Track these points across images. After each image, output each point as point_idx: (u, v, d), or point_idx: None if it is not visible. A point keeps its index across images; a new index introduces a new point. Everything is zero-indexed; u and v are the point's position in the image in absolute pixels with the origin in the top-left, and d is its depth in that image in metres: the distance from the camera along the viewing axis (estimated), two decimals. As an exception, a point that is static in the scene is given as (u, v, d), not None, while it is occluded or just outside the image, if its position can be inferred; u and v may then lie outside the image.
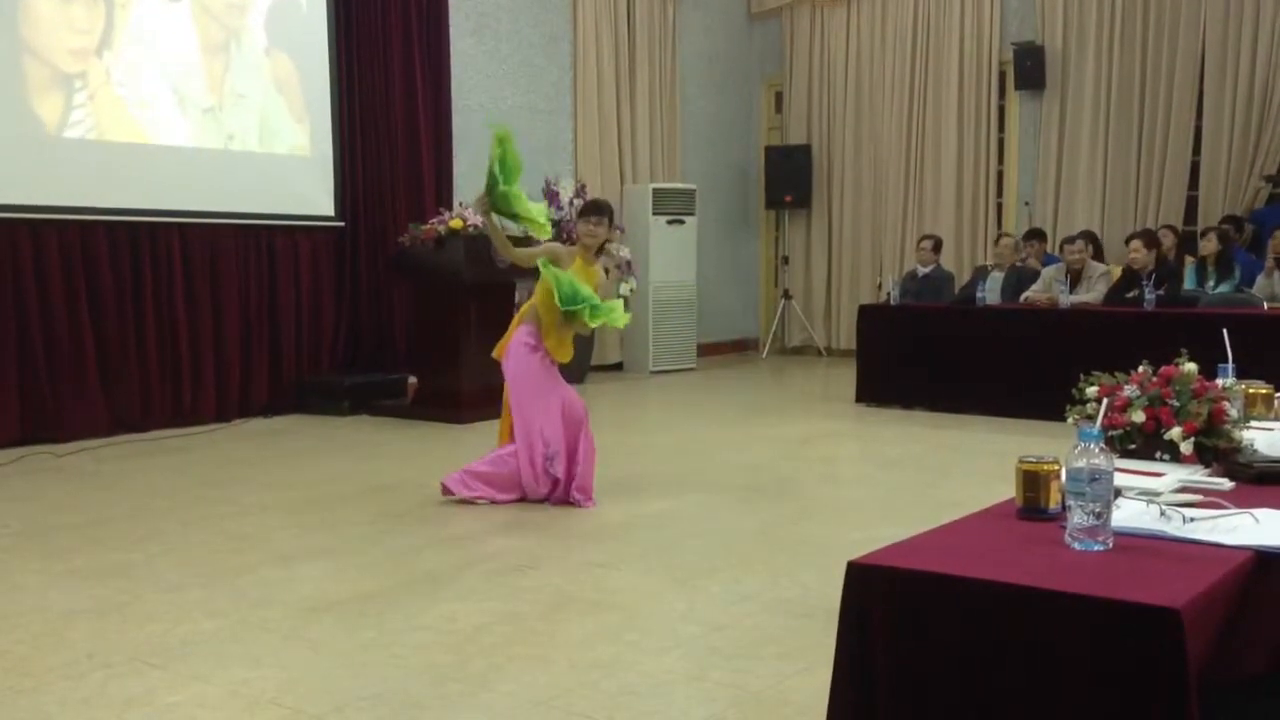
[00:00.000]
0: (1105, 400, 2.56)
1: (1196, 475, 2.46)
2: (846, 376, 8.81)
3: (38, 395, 6.78)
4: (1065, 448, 2.01)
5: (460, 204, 8.22)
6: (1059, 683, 1.71)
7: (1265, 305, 7.60)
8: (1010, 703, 1.75)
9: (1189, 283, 8.39)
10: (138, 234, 7.27)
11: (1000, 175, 10.97)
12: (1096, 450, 1.95)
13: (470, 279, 7.56)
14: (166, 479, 5.88)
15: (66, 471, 6.09)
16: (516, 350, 5.13)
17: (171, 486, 5.68)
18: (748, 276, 12.58)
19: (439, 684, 3.08)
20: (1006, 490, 2.26)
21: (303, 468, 6.23)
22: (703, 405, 8.80)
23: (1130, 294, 7.74)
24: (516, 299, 8.21)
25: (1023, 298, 8.25)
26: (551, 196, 9.37)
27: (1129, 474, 2.37)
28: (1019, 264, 8.90)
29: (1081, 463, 1.93)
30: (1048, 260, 9.20)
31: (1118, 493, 2.09)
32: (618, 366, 10.65)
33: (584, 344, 8.54)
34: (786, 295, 12.04)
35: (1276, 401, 3.07)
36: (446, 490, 5.18)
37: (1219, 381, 2.82)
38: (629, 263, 10.16)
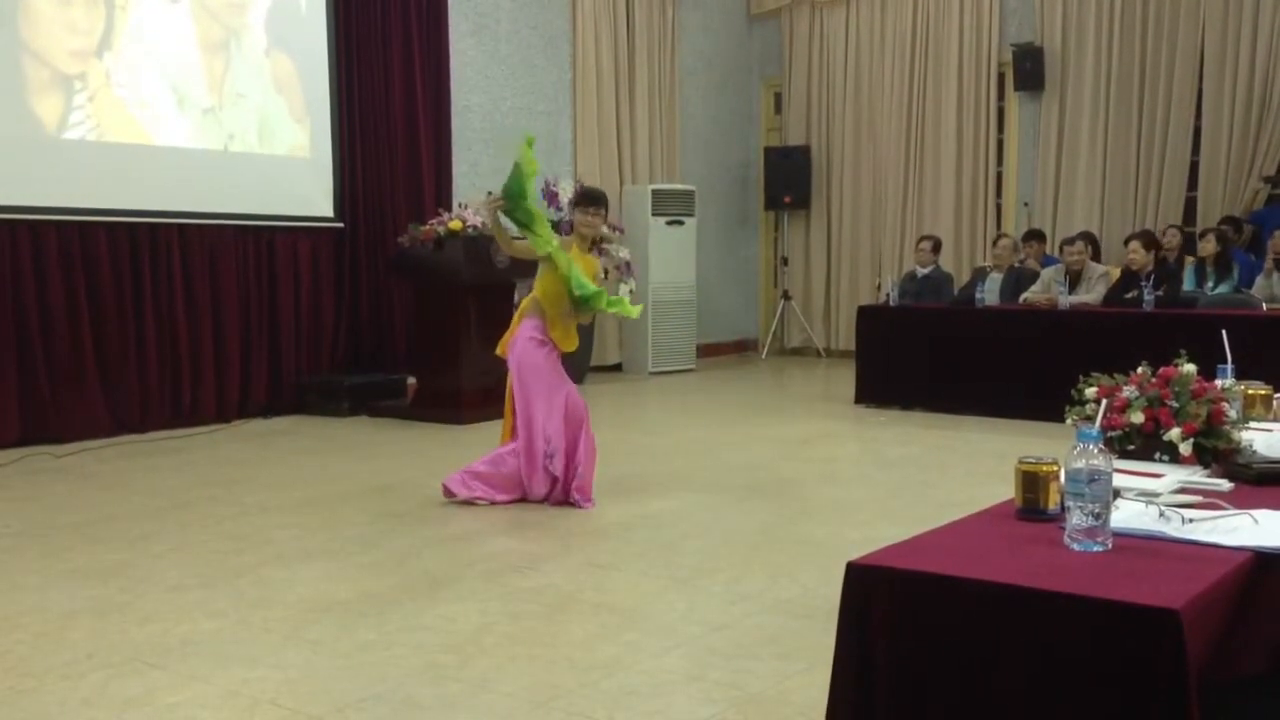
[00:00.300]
0: (1104, 401, 2.57)
1: (1195, 476, 2.46)
2: (846, 377, 8.81)
3: (37, 396, 6.78)
4: (1064, 448, 2.01)
5: (460, 204, 8.23)
6: (1058, 683, 1.71)
7: (1264, 306, 7.60)
8: (1009, 703, 1.75)
9: (1188, 284, 8.40)
10: (137, 234, 7.27)
11: (999, 176, 10.97)
12: (1095, 451, 1.95)
13: (469, 279, 7.57)
14: (166, 479, 5.88)
15: (66, 472, 6.09)
16: (523, 345, 5.10)
17: (171, 487, 5.68)
18: (747, 277, 12.59)
19: (439, 684, 3.09)
20: (1005, 491, 2.26)
21: (302, 468, 6.23)
22: (702, 406, 8.80)
23: (1129, 295, 7.74)
24: (516, 299, 8.22)
25: (1022, 299, 8.25)
26: (550, 197, 9.37)
27: (1128, 475, 2.37)
28: (1018, 265, 8.91)
29: (1080, 463, 1.94)
30: (1047, 261, 9.20)
31: (1117, 493, 2.09)
32: (617, 367, 10.65)
33: (583, 344, 8.53)
34: (786, 296, 12.05)
35: (1275, 402, 3.07)
36: (448, 492, 5.17)
37: (1218, 382, 2.82)
38: (628, 263, 10.16)
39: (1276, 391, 3.13)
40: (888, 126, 11.40)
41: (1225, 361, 3.11)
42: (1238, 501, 2.21)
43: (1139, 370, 2.71)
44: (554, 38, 10.20)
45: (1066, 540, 1.95)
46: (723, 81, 12.12)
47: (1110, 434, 2.60)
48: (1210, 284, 8.38)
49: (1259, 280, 8.14)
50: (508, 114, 9.82)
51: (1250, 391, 3.01)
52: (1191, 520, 2.06)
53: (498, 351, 5.25)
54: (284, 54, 8.17)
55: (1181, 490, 2.32)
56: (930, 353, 8.07)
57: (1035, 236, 9.67)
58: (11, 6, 6.74)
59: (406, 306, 8.55)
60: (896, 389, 8.21)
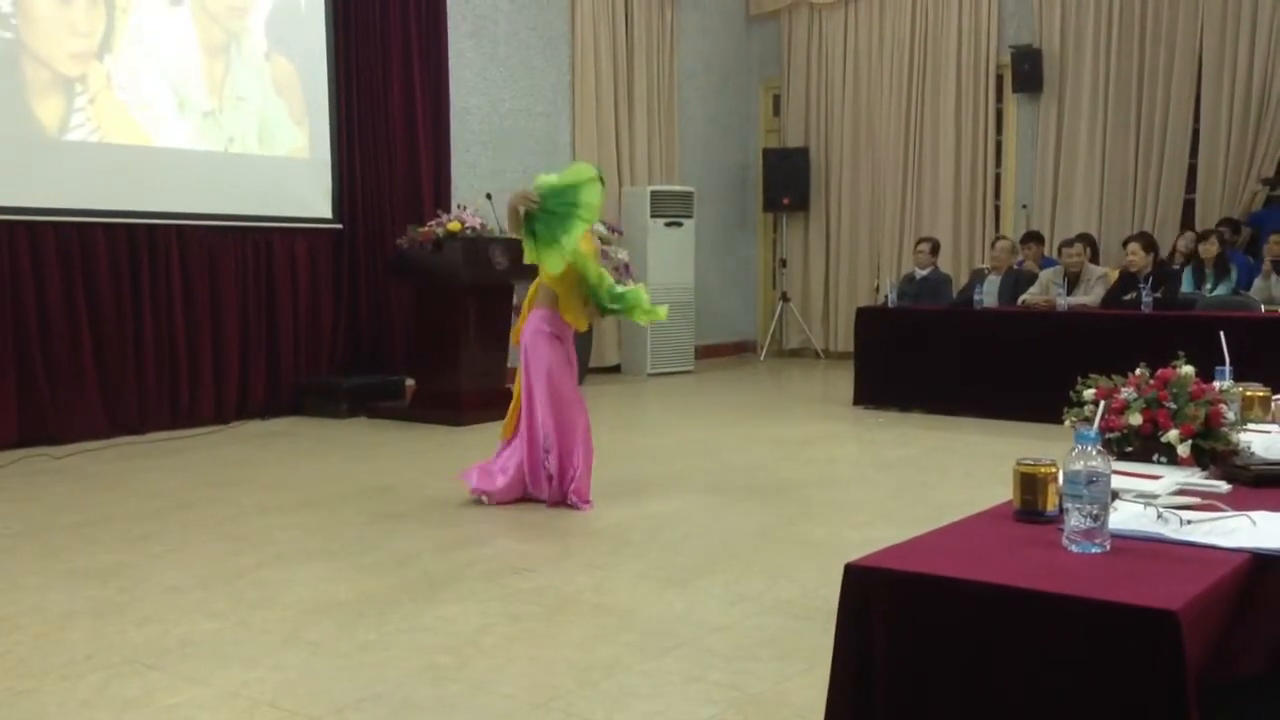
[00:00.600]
0: (1102, 403, 2.57)
1: (1194, 478, 2.46)
2: (844, 379, 8.82)
3: (36, 397, 6.78)
4: (1063, 450, 2.02)
5: (459, 206, 8.23)
6: (1057, 685, 1.71)
7: (1262, 308, 7.61)
8: (1008, 705, 1.76)
9: (1186, 285, 8.41)
10: (136, 236, 7.27)
11: (998, 178, 10.98)
12: (1094, 452, 1.95)
13: (468, 280, 7.57)
14: (165, 481, 5.88)
15: (65, 473, 6.09)
16: (532, 338, 5.09)
17: (170, 488, 5.68)
18: (746, 279, 12.59)
19: (438, 685, 3.09)
20: (1004, 492, 2.26)
21: (301, 469, 6.23)
22: (701, 407, 8.81)
23: (1128, 297, 7.75)
24: (515, 300, 8.22)
25: (1020, 300, 8.26)
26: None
27: (1126, 476, 2.38)
28: (1016, 267, 8.92)
29: (1079, 465, 1.94)
30: (1045, 263, 9.21)
31: (1115, 495, 2.09)
32: (616, 369, 10.66)
33: (582, 346, 8.55)
34: (784, 297, 12.05)
35: (1273, 404, 3.08)
36: (474, 491, 5.20)
37: (1216, 384, 2.82)
38: (627, 265, 10.16)
39: (1275, 393, 3.13)
40: (886, 128, 11.40)
41: (1223, 363, 3.12)
42: (1236, 503, 2.21)
43: (1137, 372, 2.71)
44: (553, 39, 10.21)
45: (1065, 542, 1.96)
46: (722, 83, 12.13)
47: (1108, 435, 2.60)
48: (1209, 286, 8.39)
49: (1257, 282, 8.15)
50: (506, 116, 9.82)
51: (1248, 393, 3.01)
52: (1189, 522, 2.06)
53: (512, 341, 5.32)
54: (283, 56, 8.18)
55: (1180, 492, 2.32)
56: (929, 354, 8.08)
57: (1033, 238, 9.68)
58: (12, 8, 6.74)
59: (405, 308, 8.55)
60: (895, 390, 8.21)
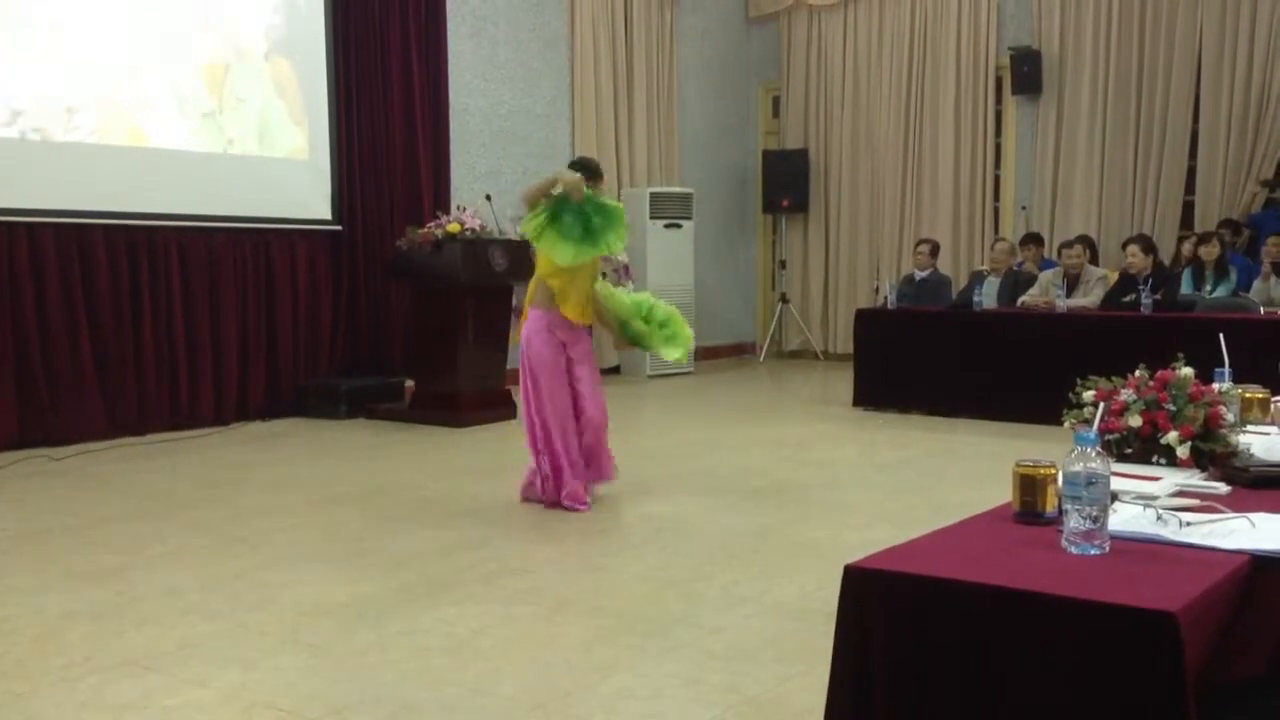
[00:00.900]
0: (1102, 404, 2.57)
1: (1193, 479, 2.46)
2: (844, 380, 8.82)
3: (35, 398, 6.77)
4: (1062, 451, 2.01)
5: (458, 207, 8.22)
6: (1056, 687, 1.71)
7: (1261, 310, 7.61)
8: (1007, 706, 1.75)
9: (1186, 287, 8.41)
10: (135, 237, 7.27)
11: (997, 180, 10.98)
12: (1093, 454, 1.95)
13: (467, 282, 7.56)
14: (164, 482, 5.87)
15: (64, 474, 6.08)
16: (530, 340, 5.07)
17: (169, 490, 5.68)
18: (745, 280, 12.59)
19: (437, 687, 3.08)
20: (1003, 494, 2.26)
21: (300, 471, 6.23)
22: (700, 409, 8.80)
23: (1127, 298, 7.75)
24: (514, 301, 8.22)
25: (1020, 302, 8.26)
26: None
27: (1125, 478, 2.38)
28: (1016, 268, 8.92)
29: (1078, 466, 1.94)
30: (1045, 265, 9.21)
31: (1114, 497, 2.09)
32: (615, 370, 10.65)
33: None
34: (784, 299, 12.05)
35: (1273, 406, 3.08)
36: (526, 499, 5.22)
37: (1215, 386, 2.82)
38: (627, 267, 10.16)
39: (1274, 395, 3.13)
40: (886, 130, 11.41)
41: (1223, 365, 3.12)
42: (1235, 505, 2.21)
43: (1137, 373, 2.71)
44: (552, 41, 10.21)
45: (1064, 543, 1.95)
46: (721, 85, 12.13)
47: (1108, 437, 2.60)
48: (1208, 287, 8.38)
49: (1256, 284, 8.14)
50: (506, 117, 9.82)
51: (1248, 395, 3.01)
52: (1189, 523, 2.06)
53: (512, 341, 5.38)
54: (283, 57, 8.17)
55: (1179, 493, 2.32)
56: (928, 356, 8.07)
57: (1033, 240, 9.68)
58: (12, 8, 6.74)
59: (404, 309, 8.55)
60: (894, 392, 8.21)
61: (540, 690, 3.06)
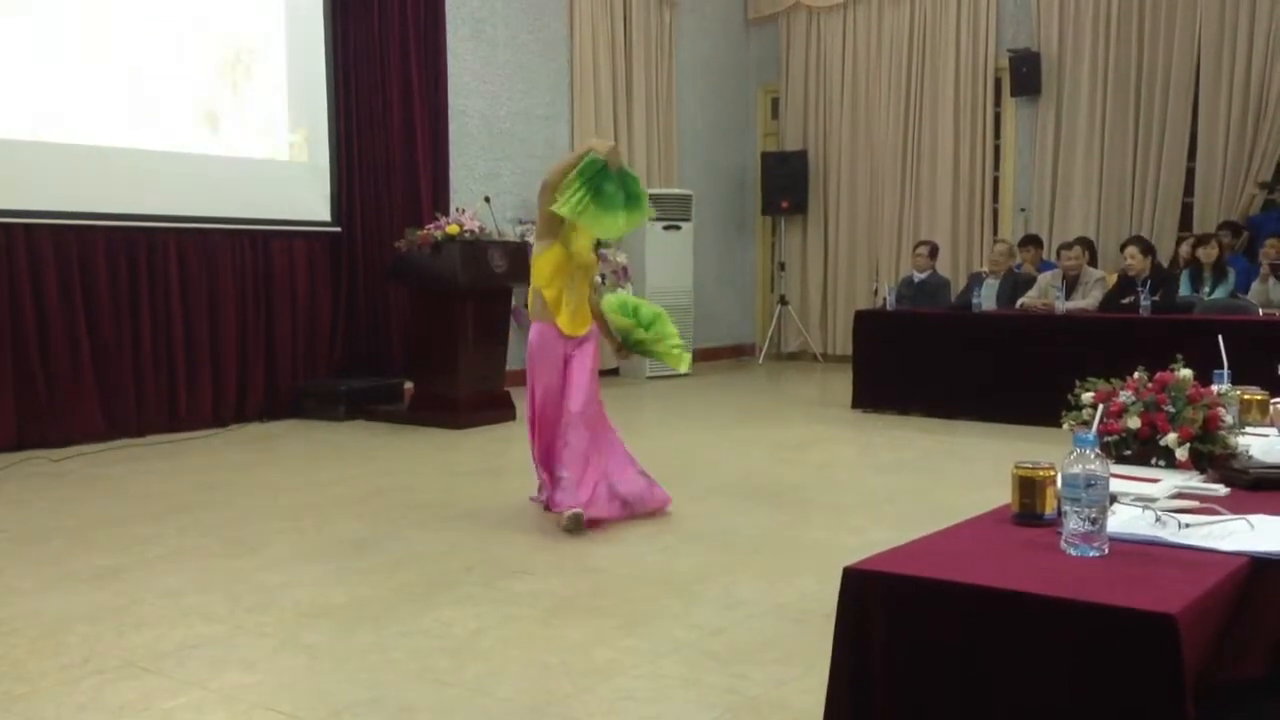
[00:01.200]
0: (1101, 406, 2.57)
1: (1192, 481, 2.47)
2: (843, 382, 8.82)
3: (34, 400, 6.77)
4: (1061, 453, 2.02)
5: (458, 209, 8.22)
6: (1055, 689, 1.71)
7: (1260, 311, 7.61)
8: (1006, 708, 1.75)
9: (1184, 289, 8.41)
10: (134, 239, 7.27)
11: (996, 181, 10.99)
12: (1092, 456, 1.95)
13: (466, 284, 7.56)
14: (163, 484, 5.87)
15: (62, 476, 6.08)
16: (529, 356, 4.96)
17: (168, 491, 5.68)
18: (744, 282, 12.60)
19: (436, 689, 3.08)
20: (1002, 495, 2.26)
21: (299, 473, 6.22)
22: (699, 411, 8.80)
23: (1126, 300, 7.75)
24: (513, 303, 8.22)
25: (1019, 304, 8.27)
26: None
27: (1124, 480, 2.38)
28: (1015, 270, 8.92)
29: (1077, 468, 1.94)
30: (1044, 266, 9.22)
31: (1113, 498, 2.09)
32: (614, 372, 10.64)
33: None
34: (783, 301, 12.06)
35: (1272, 408, 3.08)
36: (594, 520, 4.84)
37: (1214, 387, 2.82)
38: (626, 268, 10.17)
39: (1273, 397, 3.14)
40: (885, 131, 11.41)
41: (1222, 366, 3.12)
42: (1234, 506, 2.21)
43: (1135, 375, 2.71)
44: (552, 42, 10.21)
45: (1063, 545, 1.96)
46: (720, 86, 12.14)
47: (1107, 439, 2.60)
48: (1206, 289, 8.39)
49: (1255, 285, 8.15)
50: (505, 118, 9.82)
51: (1246, 396, 3.02)
52: (1188, 525, 2.06)
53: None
54: (282, 58, 8.17)
55: (1178, 495, 2.32)
56: (927, 358, 8.08)
57: (1032, 242, 9.69)
58: (12, 8, 6.74)
59: (403, 311, 8.55)
60: (893, 394, 8.21)
61: (539, 691, 3.05)
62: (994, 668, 1.77)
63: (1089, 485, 1.93)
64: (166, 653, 3.36)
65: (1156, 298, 7.55)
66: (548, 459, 4.96)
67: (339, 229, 8.52)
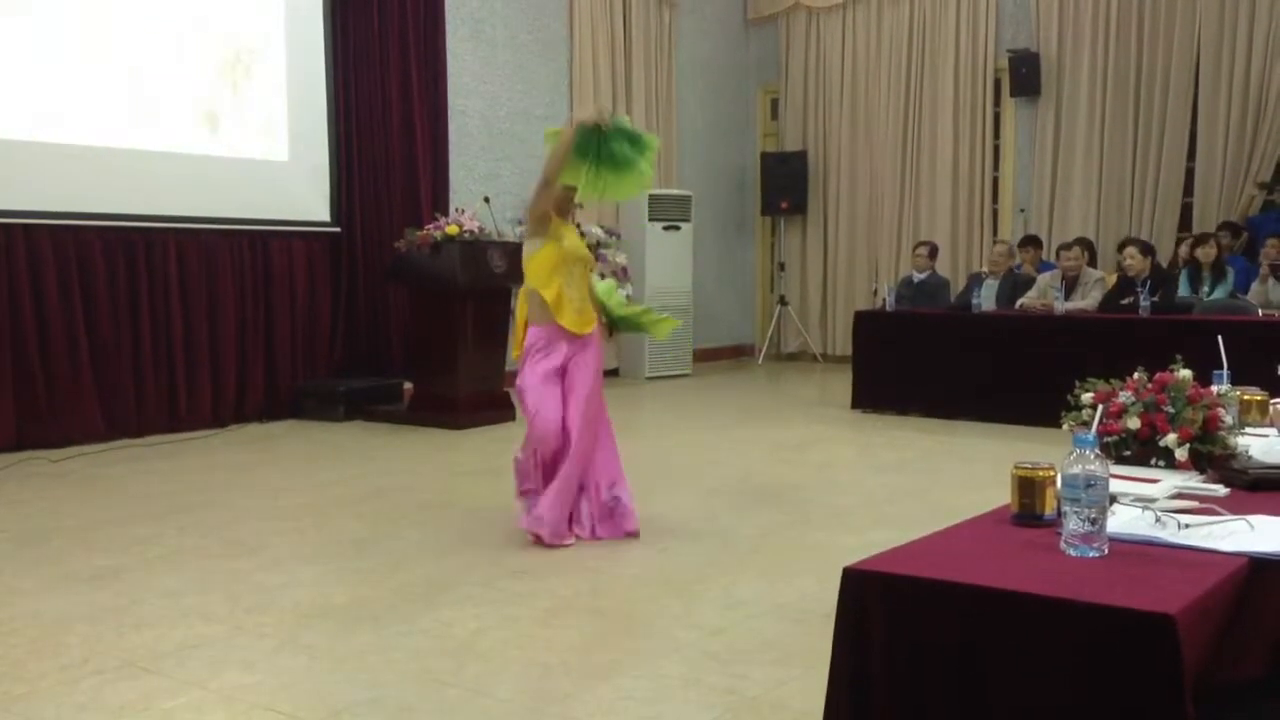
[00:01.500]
0: (1100, 406, 2.57)
1: (1191, 481, 2.47)
2: (842, 382, 8.82)
3: (33, 400, 6.77)
4: (1060, 454, 2.02)
5: (457, 209, 8.22)
6: (1054, 689, 1.71)
7: (1260, 312, 7.61)
8: (1005, 708, 1.75)
9: (1184, 289, 8.41)
10: (133, 239, 7.27)
11: (996, 182, 10.99)
12: (1092, 456, 1.95)
13: (466, 284, 7.56)
14: (162, 484, 5.87)
15: (62, 476, 6.08)
16: (521, 361, 4.65)
17: (167, 492, 5.67)
18: (744, 282, 12.60)
19: (436, 690, 3.08)
20: (1002, 496, 2.26)
21: (298, 473, 6.22)
22: (698, 411, 8.80)
23: (1125, 300, 7.75)
24: (512, 304, 8.21)
25: (1018, 304, 8.27)
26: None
27: (1124, 480, 2.38)
28: (1014, 270, 8.92)
29: (1077, 469, 1.94)
30: (1043, 267, 9.22)
31: (1113, 499, 2.09)
32: (614, 372, 10.65)
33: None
34: (782, 301, 12.06)
35: (1271, 408, 3.08)
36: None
37: (1214, 388, 2.82)
38: (625, 269, 10.17)
39: (1272, 397, 3.14)
40: (884, 132, 11.42)
41: (1221, 367, 3.12)
42: (1233, 507, 2.21)
43: (1135, 376, 2.71)
44: (551, 42, 10.21)
45: (1062, 545, 1.96)
46: (720, 87, 12.14)
47: (1106, 439, 2.60)
48: (1206, 289, 8.39)
49: (1254, 286, 8.15)
50: (505, 119, 9.82)
51: (1246, 397, 3.02)
52: (1187, 525, 2.06)
53: (513, 356, 4.76)
54: (281, 59, 8.17)
55: (1177, 495, 2.32)
56: (927, 358, 8.08)
57: (1031, 242, 9.69)
58: (12, 8, 6.74)
59: (403, 311, 8.55)
60: (893, 394, 8.21)
61: (539, 692, 3.05)
62: (993, 668, 1.77)
63: (1089, 486, 1.93)
64: (166, 653, 3.36)
65: (1156, 298, 7.55)
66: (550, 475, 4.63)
67: (338, 229, 8.52)
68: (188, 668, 3.24)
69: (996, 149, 10.95)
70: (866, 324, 8.60)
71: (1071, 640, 1.70)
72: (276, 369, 8.08)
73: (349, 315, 8.62)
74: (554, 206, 4.70)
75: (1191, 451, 2.55)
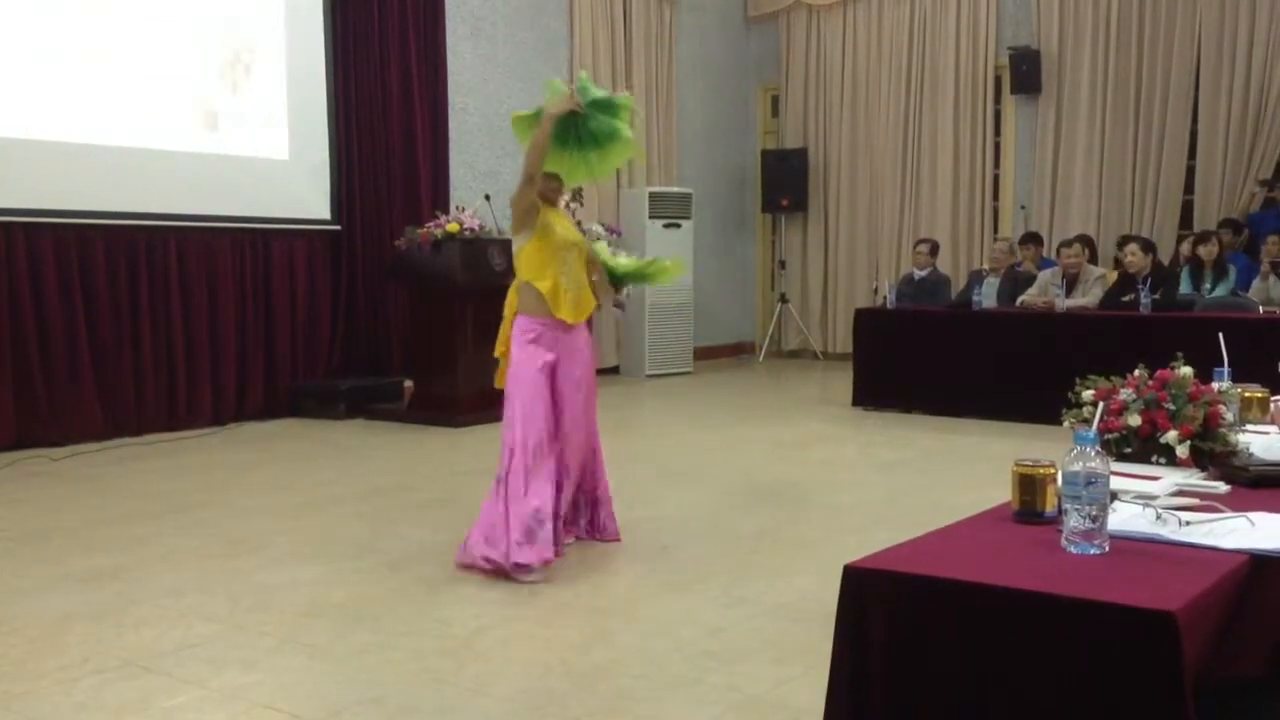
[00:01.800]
0: (1101, 404, 2.57)
1: (1192, 479, 2.46)
2: (843, 380, 8.81)
3: (33, 399, 6.77)
4: (1061, 451, 2.01)
5: (457, 207, 8.22)
6: (1055, 686, 1.71)
7: (1260, 309, 7.60)
8: (1006, 706, 1.75)
9: (1185, 286, 8.41)
10: (133, 238, 7.27)
11: (996, 179, 10.98)
12: (1092, 454, 1.95)
13: (466, 282, 7.55)
14: (162, 483, 5.87)
15: (62, 475, 6.08)
16: (513, 353, 4.35)
17: (167, 491, 5.67)
18: (744, 280, 12.59)
19: (436, 688, 3.08)
20: (1003, 493, 2.26)
21: (298, 472, 6.22)
22: (699, 409, 8.80)
23: (1126, 298, 7.75)
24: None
25: (1019, 301, 8.26)
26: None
27: (1125, 477, 2.37)
28: (1015, 268, 8.92)
29: (1077, 466, 1.93)
30: (1044, 264, 9.21)
31: (1114, 496, 2.09)
32: (614, 370, 10.65)
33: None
34: (783, 299, 12.05)
35: (1272, 405, 3.08)
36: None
37: (1215, 385, 2.82)
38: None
39: (1273, 394, 3.13)
40: (885, 129, 11.40)
41: (1222, 364, 3.11)
42: (1234, 504, 2.21)
43: (1136, 373, 2.71)
44: (551, 40, 10.20)
45: (1063, 543, 1.95)
46: (720, 84, 12.13)
47: (1107, 436, 2.60)
48: (1207, 286, 8.38)
49: (1255, 283, 8.14)
50: (505, 116, 9.78)
51: (1247, 394, 3.01)
52: (1188, 523, 2.06)
53: (497, 352, 4.47)
54: (281, 57, 8.17)
55: (1178, 493, 2.32)
56: (927, 355, 8.07)
57: (1032, 239, 9.68)
58: (12, 8, 6.74)
59: (403, 310, 8.54)
60: (894, 392, 8.21)
61: (539, 691, 3.05)
62: (994, 665, 1.76)
63: (1089, 483, 1.92)
64: (166, 652, 3.36)
65: (1157, 295, 7.54)
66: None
67: (338, 227, 8.52)
68: (188, 667, 3.24)
69: (997, 146, 10.94)
70: (867, 321, 8.59)
71: (1072, 638, 1.69)
72: (276, 368, 8.08)
73: (349, 314, 8.61)
74: (540, 196, 4.57)
75: (1192, 449, 2.55)
